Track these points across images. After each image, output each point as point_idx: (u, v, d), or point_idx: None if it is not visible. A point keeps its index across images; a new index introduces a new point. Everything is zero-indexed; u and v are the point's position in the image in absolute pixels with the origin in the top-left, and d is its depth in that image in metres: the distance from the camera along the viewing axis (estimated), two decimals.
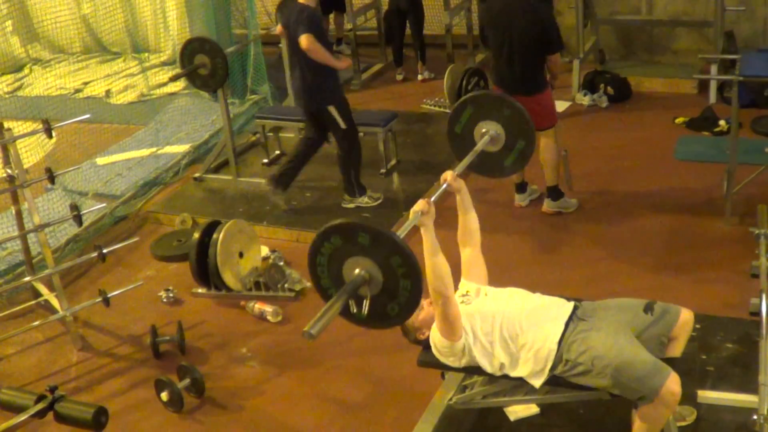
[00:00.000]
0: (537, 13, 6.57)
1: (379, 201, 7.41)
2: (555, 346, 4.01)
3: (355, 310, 3.62)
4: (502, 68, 6.71)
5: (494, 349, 4.11)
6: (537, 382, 4.07)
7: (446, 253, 3.97)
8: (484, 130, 4.76)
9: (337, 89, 7.18)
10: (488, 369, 4.16)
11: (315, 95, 7.04)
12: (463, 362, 4.20)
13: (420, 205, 3.96)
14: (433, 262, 3.91)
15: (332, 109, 7.04)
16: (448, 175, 4.38)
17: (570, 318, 4.12)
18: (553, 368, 4.03)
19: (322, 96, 7.04)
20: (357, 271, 3.53)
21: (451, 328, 4.08)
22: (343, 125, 7.10)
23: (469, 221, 4.55)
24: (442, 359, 4.25)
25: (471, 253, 4.54)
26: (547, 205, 7.06)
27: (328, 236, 3.56)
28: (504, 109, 4.72)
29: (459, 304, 4.22)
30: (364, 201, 7.40)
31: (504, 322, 4.12)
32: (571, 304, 4.23)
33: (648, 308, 4.13)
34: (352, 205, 7.42)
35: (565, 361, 4.00)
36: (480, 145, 4.73)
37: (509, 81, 6.67)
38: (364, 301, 3.57)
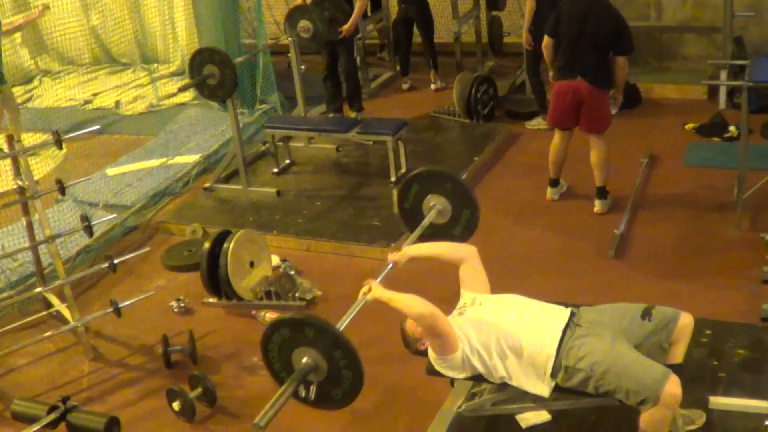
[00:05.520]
0: (613, 12, 6.83)
1: None
2: (553, 353, 4.02)
3: (303, 394, 3.98)
4: (578, 58, 6.87)
5: (492, 359, 4.11)
6: (543, 391, 4.07)
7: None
8: (432, 204, 5.10)
9: None
10: (490, 379, 4.17)
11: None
12: (466, 374, 4.22)
13: (364, 288, 4.28)
14: (405, 307, 4.15)
15: None
16: (389, 256, 4.62)
17: (567, 324, 4.12)
18: (553, 375, 4.03)
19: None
20: (305, 359, 3.92)
21: (443, 343, 4.14)
22: None
23: (444, 257, 4.67)
24: (444, 372, 4.28)
25: (464, 268, 4.59)
26: (600, 206, 7.15)
27: (277, 328, 3.98)
28: (446, 183, 5.02)
29: (456, 316, 4.29)
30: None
31: (499, 332, 4.13)
32: (568, 310, 4.23)
33: (646, 313, 4.12)
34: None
35: (565, 368, 4.00)
36: (427, 219, 5.10)
37: (583, 70, 6.85)
38: (311, 386, 3.97)
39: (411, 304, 4.12)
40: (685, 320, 4.13)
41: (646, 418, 3.86)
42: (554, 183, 7.42)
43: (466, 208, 4.88)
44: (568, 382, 4.01)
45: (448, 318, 4.33)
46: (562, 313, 4.21)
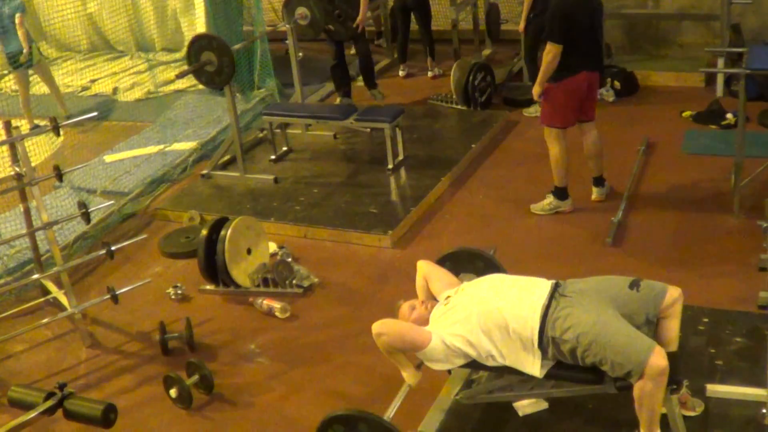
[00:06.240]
0: None
1: None
2: (537, 324, 4.01)
3: None
4: (591, 49, 6.68)
5: (478, 338, 4.12)
6: (534, 370, 4.07)
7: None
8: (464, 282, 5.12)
9: None
10: (481, 361, 4.18)
11: None
12: (458, 361, 4.24)
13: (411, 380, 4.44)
14: (384, 349, 4.34)
15: None
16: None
17: (551, 296, 4.12)
18: (542, 349, 4.02)
19: None
20: None
21: (411, 341, 4.23)
22: None
23: (425, 282, 4.74)
24: (434, 366, 4.31)
25: (431, 282, 4.68)
26: (598, 194, 7.11)
27: (331, 424, 4.15)
28: (477, 261, 5.01)
29: (441, 306, 4.36)
30: None
31: (481, 310, 4.14)
32: (551, 282, 4.23)
33: (633, 284, 4.11)
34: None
35: (552, 339, 4.00)
36: None
37: (597, 59, 6.78)
38: None
39: (378, 343, 4.33)
40: (674, 293, 4.11)
41: (637, 392, 3.87)
42: (567, 193, 7.01)
43: None
44: (559, 355, 4.02)
45: (433, 310, 4.40)
46: (545, 285, 4.21)
